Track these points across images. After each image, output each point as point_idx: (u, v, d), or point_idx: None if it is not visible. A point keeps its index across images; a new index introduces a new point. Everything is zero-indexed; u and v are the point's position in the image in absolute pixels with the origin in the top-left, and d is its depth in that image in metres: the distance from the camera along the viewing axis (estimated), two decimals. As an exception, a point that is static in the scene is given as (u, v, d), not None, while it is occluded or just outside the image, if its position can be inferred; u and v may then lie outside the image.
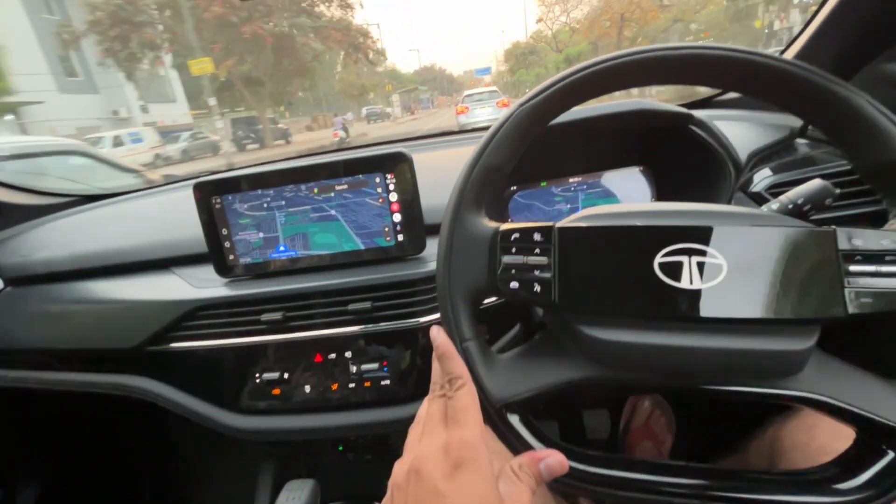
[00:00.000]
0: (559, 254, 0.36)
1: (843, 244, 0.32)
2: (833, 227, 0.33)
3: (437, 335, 0.36)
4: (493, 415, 0.36)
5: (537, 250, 0.36)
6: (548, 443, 0.36)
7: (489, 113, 10.65)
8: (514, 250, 0.36)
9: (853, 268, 0.32)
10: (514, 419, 0.36)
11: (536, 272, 0.36)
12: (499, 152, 0.38)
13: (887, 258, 0.32)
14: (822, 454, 0.47)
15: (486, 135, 0.38)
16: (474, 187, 0.38)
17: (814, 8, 0.67)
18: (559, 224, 0.37)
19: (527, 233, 0.36)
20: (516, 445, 0.36)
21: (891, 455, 0.32)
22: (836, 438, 0.46)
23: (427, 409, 0.34)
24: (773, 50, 0.80)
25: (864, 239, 0.32)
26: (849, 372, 0.34)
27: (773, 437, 0.54)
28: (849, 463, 0.34)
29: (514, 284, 0.36)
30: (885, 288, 0.31)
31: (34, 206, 0.94)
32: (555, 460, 0.33)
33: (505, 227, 0.37)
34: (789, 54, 0.72)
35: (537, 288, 0.35)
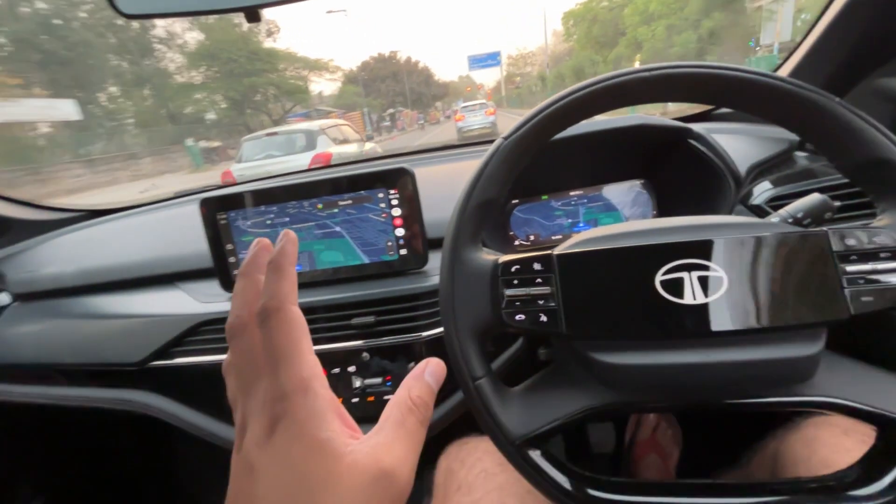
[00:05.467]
0: (561, 282, 0.36)
1: (836, 245, 0.33)
2: (825, 228, 0.34)
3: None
4: (513, 453, 0.36)
5: (539, 280, 0.36)
6: (574, 476, 0.35)
7: (479, 120, 15.41)
8: (515, 282, 0.37)
9: (850, 268, 0.32)
10: (536, 454, 0.36)
11: (541, 302, 0.36)
12: (489, 186, 0.39)
13: (882, 255, 0.32)
14: (822, 467, 0.46)
15: (474, 171, 0.39)
16: (469, 223, 0.38)
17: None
18: (557, 251, 0.37)
19: (527, 263, 0.37)
20: (540, 482, 0.35)
21: None
22: (836, 452, 0.46)
23: (241, 343, 0.24)
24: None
25: (857, 238, 0.33)
26: (861, 370, 0.35)
27: (775, 452, 0.54)
28: (872, 464, 0.33)
29: (519, 317, 0.36)
30: (883, 285, 0.32)
31: (42, 222, 0.95)
32: (433, 366, 0.28)
33: (504, 259, 0.38)
34: (784, 71, 0.73)
35: (543, 318, 0.36)
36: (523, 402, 0.37)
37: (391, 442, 0.23)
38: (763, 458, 0.57)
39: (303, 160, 5.81)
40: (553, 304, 0.36)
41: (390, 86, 41.17)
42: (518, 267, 0.37)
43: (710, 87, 0.36)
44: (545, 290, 0.36)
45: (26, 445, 0.95)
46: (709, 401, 0.35)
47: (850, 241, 0.33)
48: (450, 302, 0.37)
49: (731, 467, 0.63)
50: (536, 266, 0.37)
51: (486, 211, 0.39)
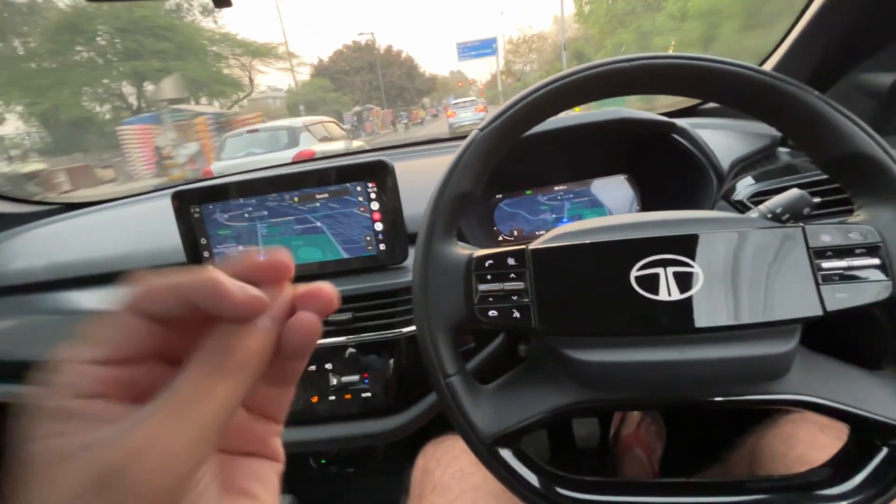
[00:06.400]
0: (535, 277, 0.35)
1: (812, 241, 0.33)
2: (801, 224, 0.33)
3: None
4: (484, 451, 0.35)
5: (513, 275, 0.36)
6: (545, 475, 0.35)
7: (470, 115, 15.68)
8: (489, 277, 0.36)
9: (826, 264, 0.32)
10: (507, 454, 0.35)
11: (514, 298, 0.35)
12: (464, 179, 0.38)
13: (857, 251, 0.32)
14: (799, 464, 0.47)
15: (450, 163, 0.38)
16: (443, 217, 0.38)
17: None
18: (532, 246, 0.36)
19: (500, 258, 0.36)
20: (511, 482, 0.35)
21: (885, 451, 0.31)
22: (813, 448, 0.47)
23: None
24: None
25: (832, 234, 0.33)
26: (835, 368, 0.34)
27: (753, 447, 0.54)
28: (844, 463, 0.33)
29: (492, 313, 0.35)
30: (858, 282, 0.31)
31: (13, 215, 0.92)
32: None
33: (478, 254, 0.37)
34: (769, 65, 0.73)
35: (516, 314, 0.35)
36: (496, 400, 0.36)
37: (142, 422, 0.15)
38: (742, 453, 0.57)
39: (284, 157, 5.66)
40: (526, 300, 0.35)
41: (366, 79, 34.04)
42: (492, 262, 0.36)
43: (691, 79, 0.36)
44: (519, 285, 0.35)
45: None
46: (682, 398, 0.34)
47: (826, 238, 0.32)
48: (422, 297, 0.37)
49: (712, 463, 0.63)
50: (510, 261, 0.36)
51: (462, 204, 0.39)
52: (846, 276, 0.32)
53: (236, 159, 6.28)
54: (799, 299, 0.32)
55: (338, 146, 6.61)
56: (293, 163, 1.09)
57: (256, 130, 6.83)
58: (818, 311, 0.31)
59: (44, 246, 0.83)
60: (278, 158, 5.72)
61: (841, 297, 0.31)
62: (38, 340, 0.71)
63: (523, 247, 0.36)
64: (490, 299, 0.36)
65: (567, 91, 0.37)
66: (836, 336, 0.47)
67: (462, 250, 0.38)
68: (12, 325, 0.73)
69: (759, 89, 0.34)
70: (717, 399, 0.34)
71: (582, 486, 0.34)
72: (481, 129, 0.38)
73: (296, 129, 6.35)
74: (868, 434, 0.32)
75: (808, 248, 0.32)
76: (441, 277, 0.37)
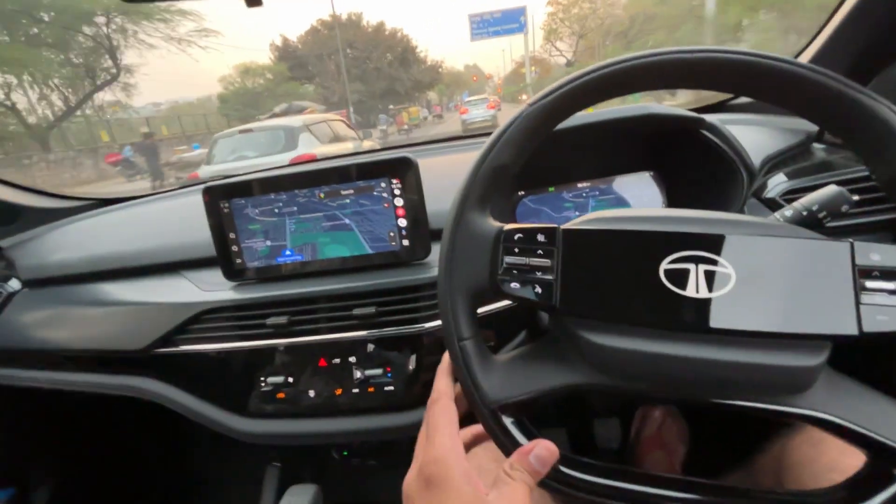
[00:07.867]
0: (562, 256, 0.35)
1: (860, 259, 0.31)
2: (850, 240, 0.32)
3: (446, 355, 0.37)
4: (487, 416, 0.35)
5: (540, 251, 0.35)
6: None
7: (481, 112, 16.92)
8: (516, 251, 0.36)
9: (870, 284, 0.31)
10: (508, 421, 0.35)
11: (538, 274, 0.35)
12: (506, 152, 0.37)
13: None
14: (828, 471, 0.45)
15: (494, 133, 0.38)
16: (480, 186, 0.37)
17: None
18: (564, 226, 0.36)
19: (530, 233, 0.36)
20: (509, 447, 0.35)
21: None
22: (844, 454, 0.45)
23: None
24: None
25: (883, 254, 0.31)
26: (860, 392, 0.33)
27: (780, 452, 0.53)
28: (858, 487, 0.32)
29: (514, 285, 0.35)
30: None
31: (52, 209, 0.96)
32: (542, 449, 0.33)
33: (508, 227, 0.37)
34: (805, 56, 0.70)
35: (538, 289, 0.35)
36: (506, 369, 0.37)
37: (506, 497, 0.31)
38: (767, 458, 0.56)
39: (280, 161, 4.61)
40: (550, 277, 0.35)
41: (343, 62, 24.76)
42: (521, 235, 0.36)
43: (744, 74, 0.33)
44: (545, 261, 0.35)
45: (36, 431, 0.97)
46: (696, 397, 0.34)
47: (875, 257, 0.31)
48: (448, 260, 0.37)
49: (738, 466, 0.62)
50: (540, 237, 0.36)
51: (499, 176, 0.38)
52: (890, 299, 0.30)
53: (226, 163, 5.51)
54: (834, 316, 0.31)
55: (345, 148, 5.85)
56: (319, 160, 1.11)
57: (249, 130, 5.96)
58: (853, 331, 0.30)
59: (81, 239, 0.87)
60: (272, 163, 4.76)
61: (881, 320, 0.30)
62: (76, 330, 0.74)
63: (555, 225, 0.36)
64: (514, 272, 0.36)
65: (620, 77, 0.35)
66: (864, 359, 0.45)
67: (493, 222, 0.38)
68: (52, 314, 0.76)
69: (821, 93, 0.32)
70: (733, 402, 0.33)
71: (580, 465, 0.34)
72: (531, 105, 0.37)
73: (294, 129, 5.52)
74: (886, 462, 0.31)
75: (854, 264, 0.31)
76: (469, 244, 0.37)
